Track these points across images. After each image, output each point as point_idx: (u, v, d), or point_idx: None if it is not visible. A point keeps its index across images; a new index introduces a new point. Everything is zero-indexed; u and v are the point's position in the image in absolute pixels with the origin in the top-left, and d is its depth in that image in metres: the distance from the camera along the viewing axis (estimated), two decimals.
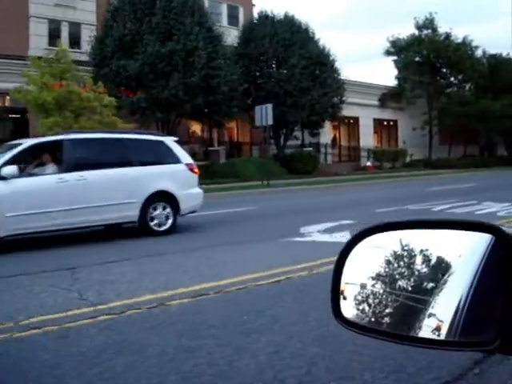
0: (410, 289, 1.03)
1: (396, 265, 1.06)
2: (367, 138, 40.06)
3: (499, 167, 38.61)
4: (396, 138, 43.04)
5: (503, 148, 48.55)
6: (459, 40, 41.28)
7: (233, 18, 37.25)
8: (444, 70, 42.33)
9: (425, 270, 1.02)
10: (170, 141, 10.50)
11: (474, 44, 42.32)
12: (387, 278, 1.07)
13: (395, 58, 42.25)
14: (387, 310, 1.06)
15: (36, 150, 9.59)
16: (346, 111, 34.58)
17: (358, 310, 1.10)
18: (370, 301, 1.08)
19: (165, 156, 10.14)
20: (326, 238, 8.68)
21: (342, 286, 1.13)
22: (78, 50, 29.46)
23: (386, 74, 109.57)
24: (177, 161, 10.18)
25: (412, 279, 1.03)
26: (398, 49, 41.68)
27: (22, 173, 8.96)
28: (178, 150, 10.40)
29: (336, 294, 1.14)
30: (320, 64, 29.64)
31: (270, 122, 21.83)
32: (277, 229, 10.08)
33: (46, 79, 17.41)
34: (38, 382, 3.40)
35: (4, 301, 5.37)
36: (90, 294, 5.44)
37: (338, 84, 30.45)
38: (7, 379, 3.59)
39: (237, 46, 30.03)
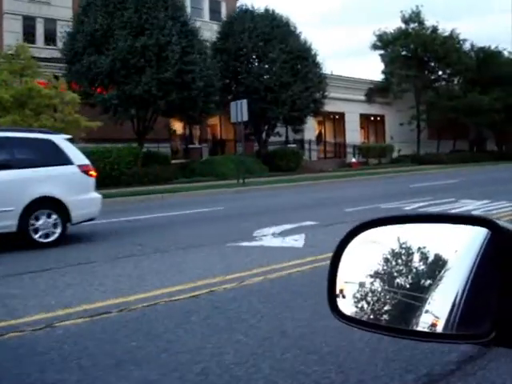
0: (407, 286, 1.04)
1: (394, 262, 1.07)
2: (353, 134, 39.40)
3: (489, 162, 38.16)
4: (383, 133, 42.40)
5: (493, 143, 48.03)
6: (446, 33, 40.67)
7: (215, 13, 36.59)
8: (432, 64, 41.71)
9: (422, 266, 1.04)
10: (60, 139, 9.18)
11: (462, 37, 41.82)
12: (385, 276, 1.08)
13: (382, 52, 41.66)
14: (385, 308, 1.07)
15: None
16: (331, 107, 33.91)
17: (356, 307, 1.11)
18: (369, 298, 1.09)
19: (53, 157, 8.89)
20: (276, 242, 8.04)
21: (342, 285, 1.13)
22: (53, 47, 28.80)
23: (376, 68, 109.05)
24: (67, 162, 8.98)
25: (409, 276, 1.05)
26: (384, 43, 41.02)
27: None
28: (71, 150, 9.13)
29: (332, 288, 1.14)
30: (301, 58, 28.92)
31: (245, 118, 21.13)
32: (230, 231, 9.45)
33: (5, 76, 16.68)
34: None
35: None
36: None
37: (319, 79, 29.70)
38: None
39: (216, 40, 29.37)
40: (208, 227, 10.32)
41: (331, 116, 38.32)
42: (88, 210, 9.17)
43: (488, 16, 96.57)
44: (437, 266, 1.01)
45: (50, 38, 29.99)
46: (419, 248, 1.04)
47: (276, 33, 28.30)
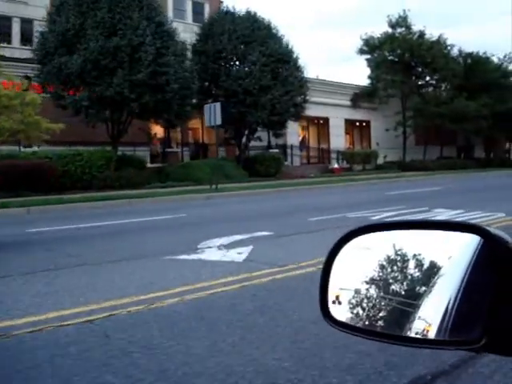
0: (402, 292, 1.04)
1: (389, 269, 1.06)
2: (338, 139, 38.83)
3: (476, 169, 37.72)
4: (369, 139, 41.88)
5: (481, 149, 47.62)
6: (434, 38, 40.23)
7: (198, 15, 36.04)
8: (419, 69, 41.25)
9: (416, 273, 1.03)
10: None
11: (450, 43, 41.41)
12: (380, 282, 1.07)
13: (369, 56, 41.17)
14: (380, 314, 1.06)
15: None
16: (315, 111, 33.36)
17: (351, 313, 1.09)
18: (364, 305, 1.08)
19: None
20: (217, 255, 7.38)
21: (337, 292, 1.12)
22: (29, 48, 28.08)
23: (363, 73, 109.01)
24: None
25: (404, 283, 1.04)
26: (371, 47, 40.53)
27: None
28: None
29: (324, 294, 1.13)
30: (282, 61, 28.32)
31: (219, 121, 20.44)
32: (177, 242, 8.79)
33: None
34: None
35: None
36: None
37: (300, 82, 29.06)
38: None
39: (195, 42, 28.77)
40: (158, 237, 9.67)
41: (315, 121, 37.77)
42: None
43: (479, 23, 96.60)
44: (431, 273, 1.02)
45: (26, 38, 29.32)
46: (414, 255, 1.04)
47: (256, 35, 27.67)
